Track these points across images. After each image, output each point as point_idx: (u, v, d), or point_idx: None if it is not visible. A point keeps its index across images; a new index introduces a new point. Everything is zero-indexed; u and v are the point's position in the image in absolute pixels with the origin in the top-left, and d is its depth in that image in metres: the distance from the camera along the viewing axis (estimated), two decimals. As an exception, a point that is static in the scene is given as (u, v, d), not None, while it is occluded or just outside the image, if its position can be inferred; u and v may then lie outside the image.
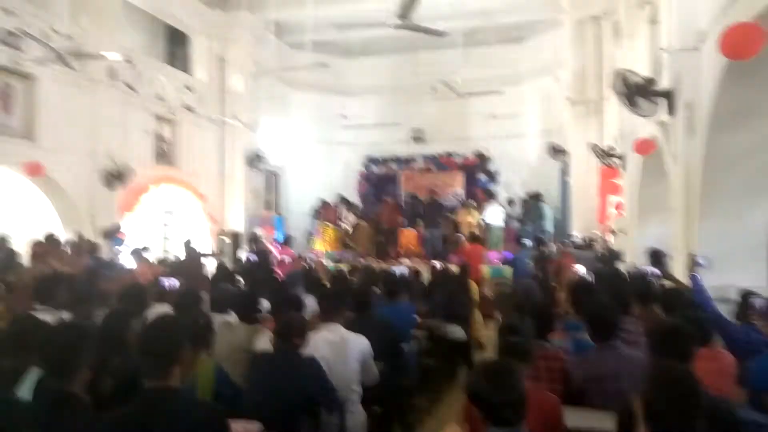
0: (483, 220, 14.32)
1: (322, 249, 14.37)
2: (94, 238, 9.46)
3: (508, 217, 14.57)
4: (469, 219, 14.35)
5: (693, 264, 4.76)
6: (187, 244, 9.07)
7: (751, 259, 5.53)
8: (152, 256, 9.55)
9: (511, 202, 15.02)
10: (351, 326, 4.08)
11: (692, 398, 1.89)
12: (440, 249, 13.74)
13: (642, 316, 4.22)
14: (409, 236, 14.26)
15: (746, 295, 4.17)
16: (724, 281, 5.21)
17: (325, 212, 15.22)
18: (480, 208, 14.75)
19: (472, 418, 2.63)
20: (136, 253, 8.69)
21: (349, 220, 14.90)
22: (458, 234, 13.28)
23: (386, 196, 16.26)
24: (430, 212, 14.68)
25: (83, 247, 8.18)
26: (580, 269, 8.00)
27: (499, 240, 13.98)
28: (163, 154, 12.56)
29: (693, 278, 4.65)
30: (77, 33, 10.16)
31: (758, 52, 4.25)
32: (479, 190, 16.39)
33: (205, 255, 10.07)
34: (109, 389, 2.74)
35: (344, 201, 15.87)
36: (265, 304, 4.75)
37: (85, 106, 10.30)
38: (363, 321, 4.45)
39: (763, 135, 5.35)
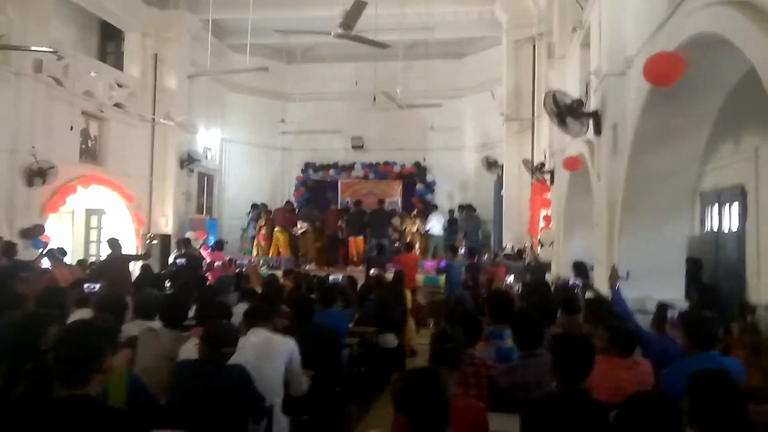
0: (424, 229, 14.56)
1: (267, 253, 14.14)
2: (10, 238, 8.92)
3: (447, 227, 14.84)
4: (413, 228, 14.55)
5: (614, 276, 4.98)
6: (113, 242, 8.66)
7: (669, 272, 5.85)
8: (72, 258, 9.10)
9: (451, 212, 15.29)
10: (291, 333, 4.05)
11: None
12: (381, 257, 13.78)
13: (565, 324, 4.37)
14: (359, 244, 14.26)
15: (662, 307, 4.40)
16: (644, 293, 5.48)
17: (274, 217, 14.90)
18: (419, 217, 14.97)
19: (400, 425, 2.65)
20: (52, 255, 8.25)
21: (302, 226, 14.67)
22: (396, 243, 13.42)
23: (331, 203, 16.17)
24: (377, 221, 14.72)
25: (-2, 246, 7.72)
26: (510, 279, 8.23)
27: (438, 249, 14.24)
28: (90, 152, 12.03)
29: (614, 290, 4.86)
30: (2, 22, 9.60)
31: (678, 80, 4.52)
32: (417, 200, 16.61)
33: (132, 257, 9.70)
34: (19, 396, 2.58)
35: (291, 207, 15.62)
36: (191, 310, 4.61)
37: (7, 99, 9.74)
38: (304, 328, 4.43)
39: (680, 157, 5.68)
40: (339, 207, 15.87)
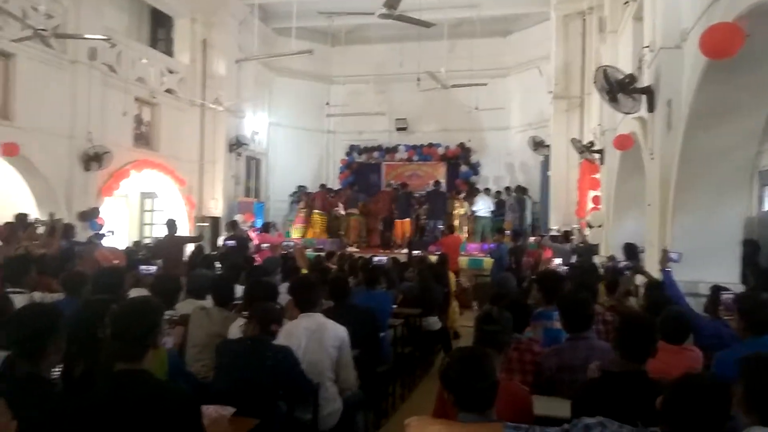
0: (471, 211, 14.47)
1: (304, 236, 14.36)
2: (69, 221, 9.33)
3: (495, 209, 14.71)
4: (461, 210, 14.49)
5: (666, 259, 4.84)
6: (170, 223, 8.90)
7: (724, 254, 5.64)
8: (127, 240, 9.42)
9: (499, 194, 15.13)
10: (329, 314, 4.09)
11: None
12: (422, 240, 13.79)
13: (613, 307, 4.28)
14: (405, 226, 14.30)
15: (716, 290, 4.25)
16: (697, 276, 5.31)
17: (313, 199, 15.12)
18: (467, 199, 14.89)
19: (444, 404, 2.67)
20: (90, 240, 8.57)
21: (340, 209, 14.85)
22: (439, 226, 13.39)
23: (383, 186, 16.24)
24: (432, 203, 14.74)
25: (57, 228, 8.07)
26: (557, 261, 8.10)
27: (485, 231, 14.14)
28: (143, 137, 12.41)
29: (665, 273, 4.72)
30: (57, 12, 9.96)
31: (737, 52, 4.31)
32: (461, 182, 16.47)
33: (186, 239, 9.97)
34: (79, 373, 2.72)
35: (329, 189, 15.82)
36: (237, 289, 4.73)
37: (64, 86, 10.13)
38: (342, 308, 4.47)
39: (738, 133, 5.44)
40: (389, 189, 15.85)
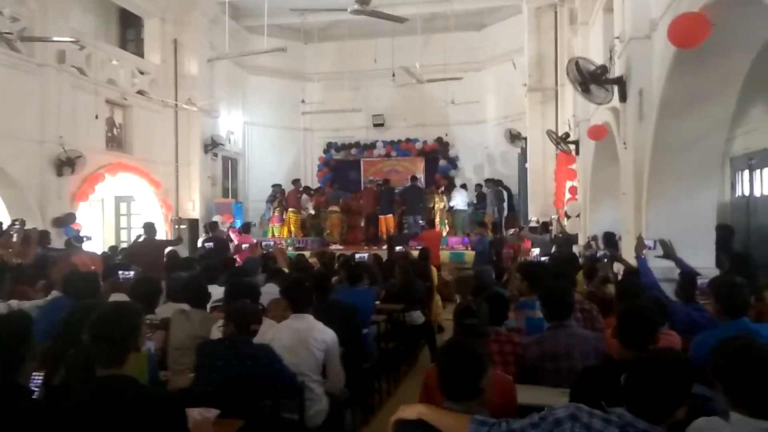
0: (449, 205, 14.56)
1: (281, 235, 14.30)
2: (43, 227, 9.16)
3: (472, 202, 14.83)
4: (441, 204, 14.57)
5: (641, 246, 4.92)
6: (149, 226, 8.73)
7: (699, 240, 5.73)
8: (103, 245, 9.28)
9: (480, 186, 15.22)
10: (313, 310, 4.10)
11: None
12: (402, 235, 13.82)
13: (591, 295, 4.34)
14: (389, 223, 14.32)
15: (686, 276, 4.33)
16: (672, 263, 5.40)
17: (286, 198, 15.06)
18: (446, 193, 14.97)
19: (429, 396, 2.69)
20: (68, 242, 8.40)
21: (309, 206, 14.83)
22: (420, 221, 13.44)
23: (366, 183, 16.25)
24: (410, 199, 14.79)
25: (31, 236, 7.91)
26: (536, 252, 8.18)
27: (464, 224, 14.24)
28: (116, 140, 12.23)
29: (640, 260, 4.80)
30: (23, 14, 9.75)
31: (703, 41, 4.39)
32: (440, 176, 16.55)
33: (166, 242, 9.82)
34: (60, 380, 2.68)
35: (303, 186, 15.76)
36: (218, 290, 4.69)
37: (33, 90, 9.92)
38: (324, 305, 4.47)
39: (709, 121, 5.54)
40: (371, 186, 15.83)
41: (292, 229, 14.53)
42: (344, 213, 14.82)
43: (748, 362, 1.87)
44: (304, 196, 15.25)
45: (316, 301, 4.51)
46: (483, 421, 2.02)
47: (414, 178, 15.39)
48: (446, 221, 14.54)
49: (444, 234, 13.81)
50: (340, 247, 13.25)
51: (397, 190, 15.34)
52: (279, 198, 15.12)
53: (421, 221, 13.65)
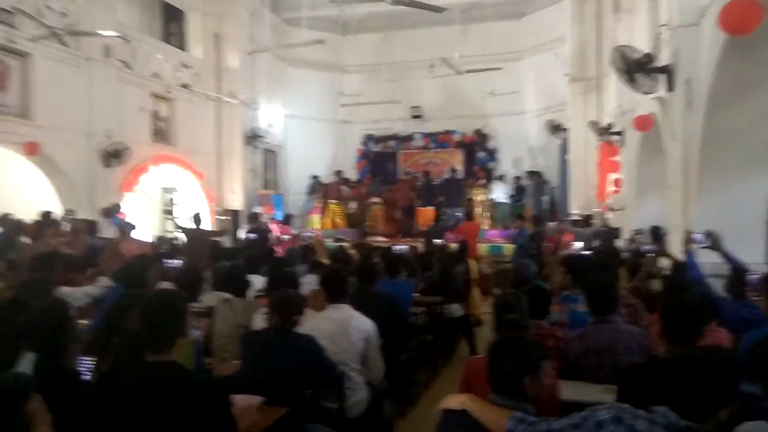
0: (491, 197, 14.45)
1: (322, 227, 14.40)
2: (92, 217, 9.47)
3: (512, 195, 14.67)
4: (482, 197, 14.47)
5: (689, 240, 4.78)
6: (196, 217, 8.88)
7: (749, 235, 5.56)
8: (144, 236, 9.47)
9: (518, 179, 15.07)
10: (354, 300, 4.13)
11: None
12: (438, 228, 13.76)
13: (635, 290, 4.25)
14: (427, 215, 14.30)
15: (737, 272, 4.20)
16: (721, 258, 5.24)
17: (326, 190, 15.14)
18: (485, 185, 14.84)
19: (470, 387, 2.69)
20: (120, 228, 8.58)
21: (349, 198, 14.87)
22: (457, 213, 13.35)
23: (403, 174, 16.22)
24: (448, 191, 14.74)
25: (81, 226, 8.19)
26: (578, 245, 8.05)
27: (504, 216, 14.10)
28: (160, 133, 12.51)
29: (687, 255, 4.67)
30: (71, 10, 10.05)
31: (757, 28, 4.23)
32: (479, 168, 16.40)
33: (213, 233, 10.01)
34: (108, 366, 2.78)
35: (344, 178, 15.84)
36: (259, 280, 4.77)
37: (81, 84, 10.23)
38: (367, 295, 4.51)
39: (760, 110, 5.35)
40: (408, 177, 15.80)
41: (337, 220, 14.60)
42: (389, 205, 14.78)
43: None
44: (343, 187, 15.32)
45: (360, 290, 4.57)
46: (522, 419, 2.00)
47: (453, 170, 15.27)
48: (488, 214, 14.41)
49: (484, 227, 13.70)
50: (381, 239, 13.23)
51: (435, 183, 15.28)
52: (320, 189, 15.22)
53: (458, 213, 13.57)
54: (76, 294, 4.09)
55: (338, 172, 16.07)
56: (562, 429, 1.92)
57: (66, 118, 9.90)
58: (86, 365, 2.79)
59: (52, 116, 9.59)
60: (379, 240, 12.84)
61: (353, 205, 14.81)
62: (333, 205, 14.69)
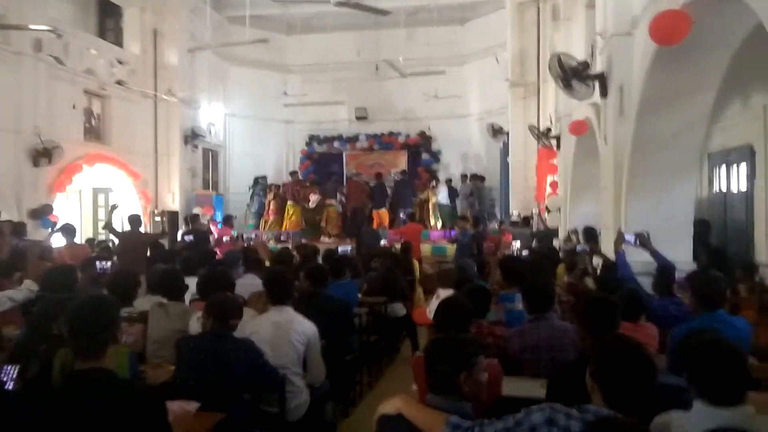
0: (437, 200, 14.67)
1: (281, 227, 14.14)
2: (19, 219, 9.00)
3: (453, 196, 14.92)
4: (433, 199, 14.63)
5: (620, 241, 4.97)
6: (133, 218, 8.53)
7: (677, 234, 5.82)
8: (81, 237, 9.12)
9: (464, 178, 15.32)
10: (304, 303, 4.09)
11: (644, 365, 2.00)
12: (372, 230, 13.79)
13: (570, 287, 4.38)
14: (383, 216, 14.28)
15: (664, 270, 4.40)
16: (651, 257, 5.48)
17: (284, 190, 14.89)
18: (435, 187, 15.08)
19: (421, 383, 2.69)
20: (66, 230, 8.21)
21: (312, 199, 14.69)
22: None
23: (352, 177, 16.20)
24: (400, 192, 14.82)
25: (5, 227, 7.76)
26: (517, 245, 8.24)
27: (447, 218, 14.32)
28: (94, 131, 12.04)
29: (618, 255, 4.86)
30: (0, 2, 9.52)
31: (684, 38, 4.44)
32: (422, 170, 16.57)
33: (152, 236, 9.64)
34: (33, 374, 2.64)
35: (300, 180, 15.63)
36: (194, 283, 4.65)
37: (9, 79, 9.72)
38: (317, 298, 4.50)
39: (688, 117, 5.62)
40: (357, 179, 15.79)
41: (294, 220, 14.40)
42: (341, 207, 14.71)
43: (709, 354, 1.95)
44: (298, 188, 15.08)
45: (312, 292, 4.52)
46: (457, 425, 1.98)
47: (404, 172, 15.37)
48: (437, 215, 14.62)
49: (435, 228, 13.92)
50: (329, 240, 13.16)
51: (388, 184, 15.39)
52: (275, 190, 14.96)
53: (402, 216, 13.70)
54: (-1, 300, 3.88)
55: (293, 173, 15.89)
56: None
57: (-9, 115, 9.37)
58: (8, 373, 2.65)
59: (-25, 112, 9.06)
60: (324, 241, 12.77)
61: (312, 206, 14.63)
62: (290, 206, 14.47)
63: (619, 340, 2.19)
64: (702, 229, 6.33)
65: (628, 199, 6.01)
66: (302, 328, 3.71)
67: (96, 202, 13.33)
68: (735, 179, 7.55)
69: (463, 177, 15.31)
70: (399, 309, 6.73)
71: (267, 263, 6.61)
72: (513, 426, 1.91)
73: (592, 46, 7.57)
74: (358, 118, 17.21)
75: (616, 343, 2.12)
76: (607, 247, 6.17)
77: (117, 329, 2.29)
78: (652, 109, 5.60)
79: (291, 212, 14.45)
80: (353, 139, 17.30)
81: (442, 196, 14.87)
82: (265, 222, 14.81)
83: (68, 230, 8.16)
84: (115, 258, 7.48)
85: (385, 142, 17.17)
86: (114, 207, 8.50)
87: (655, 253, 4.77)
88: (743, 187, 7.32)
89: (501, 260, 5.21)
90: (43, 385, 2.62)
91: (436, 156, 16.95)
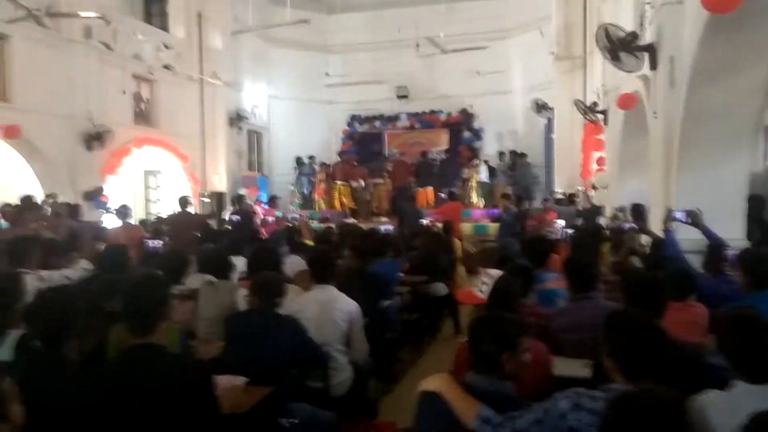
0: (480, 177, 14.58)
1: (332, 207, 14.30)
2: (74, 201, 9.37)
3: (498, 173, 14.75)
4: (477, 177, 14.57)
5: (669, 218, 4.84)
6: (183, 200, 8.78)
7: (730, 211, 5.62)
8: (134, 218, 9.42)
9: (501, 156, 15.13)
10: (345, 282, 4.16)
11: (652, 341, 1.96)
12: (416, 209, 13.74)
13: (616, 266, 4.30)
14: (428, 195, 14.28)
15: (715, 248, 4.26)
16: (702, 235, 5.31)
17: (334, 170, 14.94)
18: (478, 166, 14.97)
19: (459, 370, 2.72)
20: (121, 212, 8.50)
21: (360, 182, 14.75)
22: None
23: (397, 155, 16.20)
24: (444, 171, 14.79)
25: (62, 209, 8.10)
26: (561, 223, 8.11)
27: (487, 196, 14.19)
28: (143, 114, 12.36)
29: (666, 232, 4.73)
30: (49, -10, 9.82)
31: (738, 6, 4.24)
32: (464, 148, 16.41)
33: (203, 217, 9.90)
34: (90, 348, 2.77)
35: (348, 159, 15.68)
36: (242, 262, 4.76)
37: (61, 66, 10.06)
38: (359, 276, 4.57)
39: (742, 89, 5.39)
40: (400, 158, 15.74)
41: (344, 201, 14.53)
42: (388, 186, 14.71)
43: (745, 330, 1.91)
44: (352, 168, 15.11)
45: (358, 270, 4.59)
46: (487, 419, 1.98)
47: (448, 150, 15.26)
48: (479, 193, 14.50)
49: (479, 206, 13.82)
50: (380, 219, 13.15)
51: (433, 162, 15.32)
52: (325, 170, 15.09)
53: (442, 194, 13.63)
54: (53, 277, 4.06)
55: (342, 153, 15.98)
56: (527, 427, 1.93)
57: (46, 101, 9.74)
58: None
59: (31, 99, 9.43)
60: (375, 221, 12.77)
61: (361, 185, 14.69)
62: (340, 186, 14.56)
63: (626, 313, 2.16)
64: (756, 205, 6.08)
65: (679, 175, 5.83)
66: (346, 306, 3.78)
67: (147, 184, 13.74)
68: (793, 153, 7.22)
69: (500, 154, 15.10)
70: (441, 288, 6.74)
71: (311, 243, 6.71)
72: (542, 416, 1.93)
73: (641, 16, 7.30)
74: (399, 97, 17.12)
75: (622, 317, 2.10)
76: (656, 225, 6.01)
77: (169, 307, 2.37)
78: (704, 81, 5.39)
79: (341, 192, 14.53)
80: (394, 119, 17.25)
81: (483, 174, 14.75)
82: (315, 202, 14.94)
83: (122, 212, 8.45)
84: (167, 238, 7.71)
85: (426, 121, 17.05)
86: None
87: (706, 231, 4.62)
88: (802, 161, 6.98)
89: (524, 241, 5.15)
90: (100, 361, 2.74)
91: (477, 134, 16.74)
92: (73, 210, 8.42)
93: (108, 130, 10.47)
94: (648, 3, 6.83)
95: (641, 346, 1.94)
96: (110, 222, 8.71)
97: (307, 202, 15.29)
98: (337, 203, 14.47)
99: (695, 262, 4.32)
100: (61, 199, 9.30)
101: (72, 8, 9.75)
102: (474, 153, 16.09)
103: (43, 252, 4.36)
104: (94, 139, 10.34)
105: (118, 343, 2.81)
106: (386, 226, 9.60)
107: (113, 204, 9.89)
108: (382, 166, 15.17)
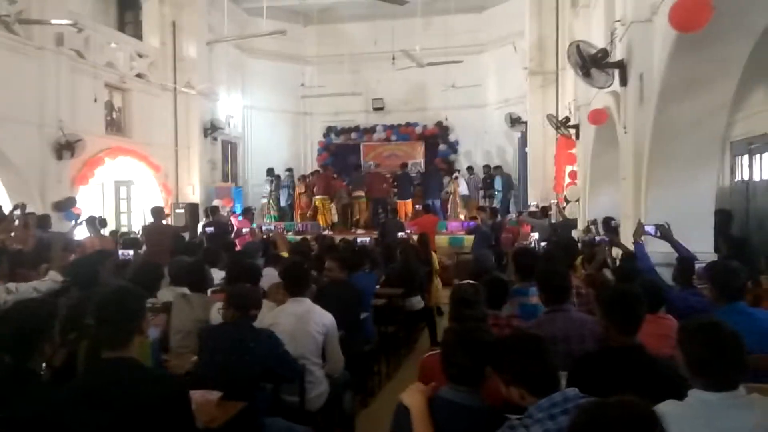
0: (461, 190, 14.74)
1: (315, 220, 14.23)
2: (43, 211, 9.17)
3: (471, 187, 14.91)
4: (458, 189, 14.69)
5: (640, 232, 4.93)
6: (156, 210, 8.62)
7: (698, 225, 5.74)
8: (106, 229, 9.27)
9: (470, 170, 15.30)
10: (320, 294, 4.14)
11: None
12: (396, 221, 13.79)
13: (588, 279, 4.36)
14: (407, 207, 14.30)
15: (684, 261, 4.35)
16: (671, 248, 5.42)
17: (315, 183, 14.81)
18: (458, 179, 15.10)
19: (428, 378, 2.72)
20: (91, 223, 8.36)
21: (342, 192, 14.70)
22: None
23: (372, 168, 16.25)
24: (427, 183, 14.85)
25: (31, 220, 7.91)
26: (535, 237, 8.20)
27: (465, 209, 14.31)
28: (115, 124, 12.19)
29: (636, 245, 4.82)
30: (20, -3, 9.67)
31: (705, 25, 4.37)
32: (440, 160, 16.53)
33: (177, 228, 9.74)
34: (61, 362, 2.71)
35: (328, 171, 15.64)
36: (218, 274, 4.71)
37: (32, 73, 9.87)
38: (341, 285, 4.57)
39: (709, 105, 5.53)
40: (376, 170, 15.79)
41: (326, 215, 14.44)
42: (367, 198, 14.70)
43: (709, 336, 1.94)
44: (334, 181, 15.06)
45: (342, 281, 4.58)
46: None
47: (431, 162, 15.35)
48: (462, 206, 14.64)
49: (439, 219, 13.90)
50: (361, 232, 13.13)
51: (413, 174, 15.42)
52: (304, 183, 14.96)
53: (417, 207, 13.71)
54: (22, 289, 3.97)
55: (325, 166, 15.93)
56: None
57: (15, 109, 9.53)
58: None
59: (0, 107, 9.22)
60: (356, 233, 12.72)
61: (344, 198, 14.65)
62: (318, 199, 14.48)
63: (703, 322, 2.13)
64: (723, 218, 6.23)
65: (648, 189, 5.94)
66: (321, 318, 3.76)
67: (118, 194, 13.52)
68: (758, 168, 7.43)
69: (469, 169, 15.30)
70: (417, 302, 6.76)
71: (287, 254, 6.67)
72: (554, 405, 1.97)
73: (611, 33, 7.46)
74: (375, 109, 17.20)
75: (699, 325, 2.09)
76: (627, 238, 6.12)
77: (143, 320, 2.33)
78: (672, 98, 5.52)
79: (321, 205, 14.47)
80: (370, 130, 17.30)
81: (462, 187, 14.90)
82: (295, 215, 14.84)
83: (92, 222, 8.31)
84: (141, 248, 7.58)
85: (402, 133, 17.14)
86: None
87: (675, 244, 4.72)
88: (766, 176, 7.19)
89: (513, 253, 5.20)
90: (70, 374, 2.69)
91: (453, 146, 16.89)
92: (42, 220, 8.24)
93: (79, 139, 10.29)
94: (618, 21, 6.99)
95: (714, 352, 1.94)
96: (81, 233, 8.55)
97: (284, 214, 15.20)
98: (321, 218, 14.39)
99: (665, 274, 4.41)
100: (29, 209, 9.09)
101: (43, 15, 9.60)
102: (450, 165, 16.22)
103: (11, 264, 4.26)
104: (65, 148, 10.14)
105: (85, 356, 2.76)
106: (362, 238, 9.59)
107: (84, 215, 9.71)
108: (360, 178, 15.18)
